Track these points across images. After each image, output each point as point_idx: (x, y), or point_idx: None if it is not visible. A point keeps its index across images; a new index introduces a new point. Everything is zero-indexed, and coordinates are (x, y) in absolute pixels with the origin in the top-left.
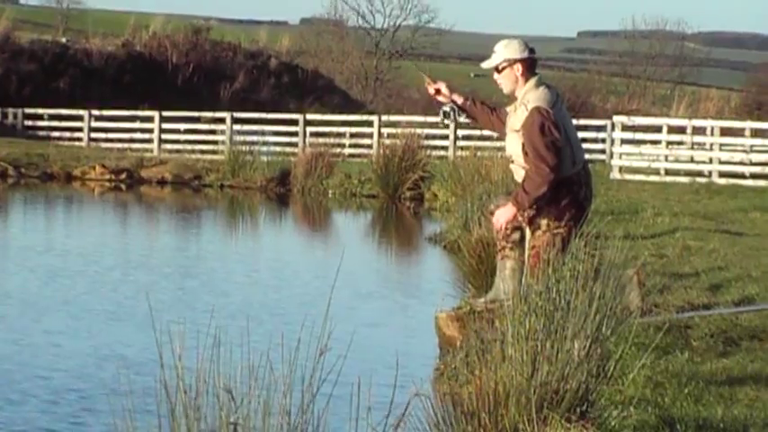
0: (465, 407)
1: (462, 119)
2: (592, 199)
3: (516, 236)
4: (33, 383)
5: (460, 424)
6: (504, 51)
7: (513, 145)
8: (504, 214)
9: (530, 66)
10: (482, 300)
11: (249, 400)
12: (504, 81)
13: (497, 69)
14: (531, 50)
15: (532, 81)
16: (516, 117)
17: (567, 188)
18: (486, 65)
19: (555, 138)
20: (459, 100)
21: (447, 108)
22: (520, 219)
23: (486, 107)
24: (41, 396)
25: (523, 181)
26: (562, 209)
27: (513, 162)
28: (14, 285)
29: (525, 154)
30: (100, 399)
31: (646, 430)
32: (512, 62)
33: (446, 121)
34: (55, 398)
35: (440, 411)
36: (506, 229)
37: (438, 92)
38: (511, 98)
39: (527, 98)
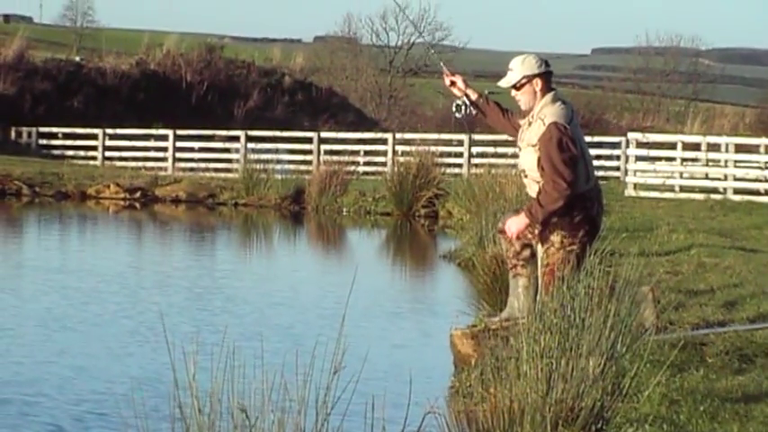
0: (480, 425)
1: (474, 112)
2: (603, 215)
3: (527, 253)
4: (48, 403)
5: None
6: (522, 68)
7: (528, 159)
8: (516, 224)
9: (547, 80)
10: (497, 318)
11: (263, 418)
12: (524, 97)
13: (516, 87)
14: (547, 64)
15: (549, 96)
16: (532, 131)
17: (580, 204)
18: (504, 83)
19: (572, 154)
20: (473, 96)
21: (459, 102)
22: (530, 236)
23: (498, 107)
24: (58, 416)
25: (539, 194)
26: (576, 225)
27: (526, 176)
28: (31, 306)
29: (541, 168)
30: (115, 418)
31: None
32: (530, 78)
33: (457, 114)
34: (72, 418)
35: (454, 429)
36: (517, 243)
37: (453, 84)
38: (526, 112)
39: (543, 113)
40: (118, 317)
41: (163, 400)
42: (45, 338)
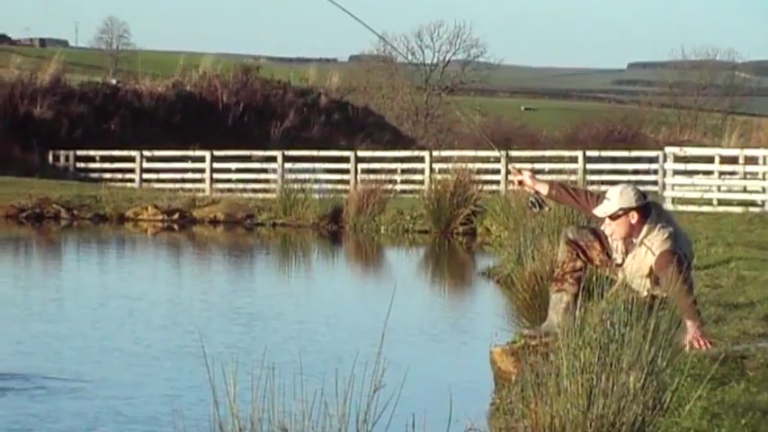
0: None
1: (547, 208)
2: None
3: (581, 273)
4: (86, 425)
5: None
6: (620, 200)
7: (639, 284)
8: (697, 335)
9: (644, 213)
10: (534, 332)
11: None
12: (619, 228)
13: (611, 217)
14: (644, 196)
15: (648, 222)
16: (638, 260)
17: None
18: (600, 213)
19: (686, 273)
20: (544, 190)
21: (532, 199)
22: (613, 267)
23: (569, 194)
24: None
25: (687, 309)
26: None
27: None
28: (69, 328)
29: (656, 283)
30: None
31: None
32: (627, 210)
33: (534, 210)
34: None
35: None
36: (579, 261)
37: (521, 183)
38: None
39: (650, 241)
40: (157, 338)
41: (204, 422)
42: (84, 359)
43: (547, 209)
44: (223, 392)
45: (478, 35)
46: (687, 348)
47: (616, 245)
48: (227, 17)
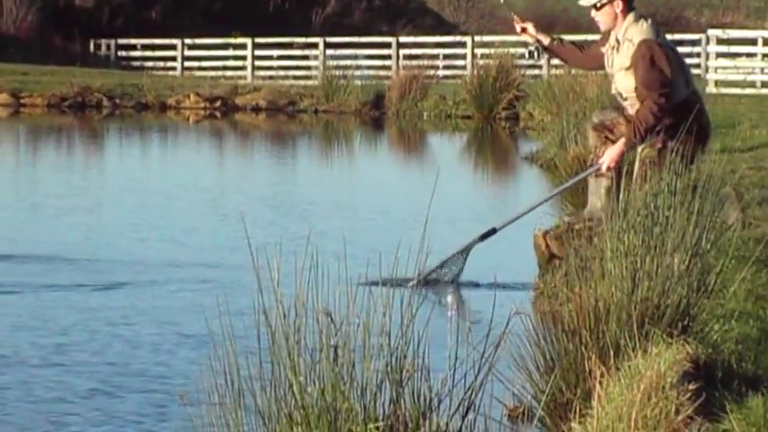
0: (566, 325)
1: (545, 58)
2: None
3: None
4: (128, 308)
5: (561, 342)
6: None
7: (624, 83)
8: (611, 156)
9: (629, 2)
10: (574, 218)
11: (349, 322)
12: (603, 18)
13: (596, 6)
14: None
15: (630, 16)
16: (622, 54)
17: (685, 111)
18: (585, 2)
19: (664, 69)
20: (546, 41)
21: (532, 48)
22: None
23: (572, 46)
24: (141, 322)
25: (636, 118)
26: (683, 131)
27: (625, 99)
28: (111, 217)
29: (636, 88)
30: (200, 325)
31: (747, 343)
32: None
33: (531, 59)
34: (151, 325)
35: (540, 330)
36: (603, 147)
37: (524, 30)
38: (605, 35)
39: (630, 34)
40: (200, 225)
41: (248, 307)
42: (130, 250)
43: (545, 58)
44: (268, 280)
45: None
46: (603, 168)
47: (611, 61)
48: None
